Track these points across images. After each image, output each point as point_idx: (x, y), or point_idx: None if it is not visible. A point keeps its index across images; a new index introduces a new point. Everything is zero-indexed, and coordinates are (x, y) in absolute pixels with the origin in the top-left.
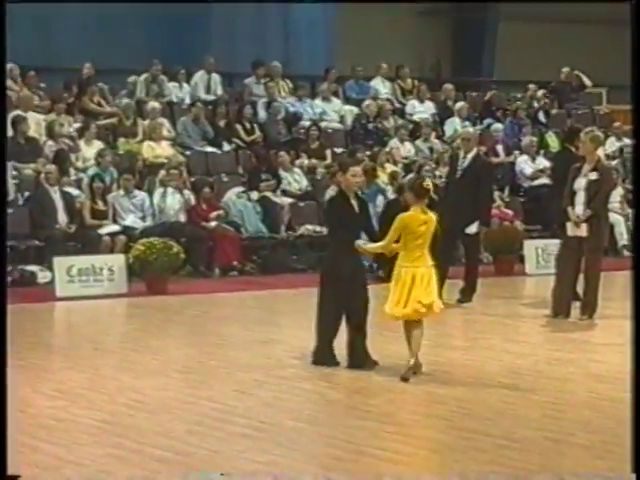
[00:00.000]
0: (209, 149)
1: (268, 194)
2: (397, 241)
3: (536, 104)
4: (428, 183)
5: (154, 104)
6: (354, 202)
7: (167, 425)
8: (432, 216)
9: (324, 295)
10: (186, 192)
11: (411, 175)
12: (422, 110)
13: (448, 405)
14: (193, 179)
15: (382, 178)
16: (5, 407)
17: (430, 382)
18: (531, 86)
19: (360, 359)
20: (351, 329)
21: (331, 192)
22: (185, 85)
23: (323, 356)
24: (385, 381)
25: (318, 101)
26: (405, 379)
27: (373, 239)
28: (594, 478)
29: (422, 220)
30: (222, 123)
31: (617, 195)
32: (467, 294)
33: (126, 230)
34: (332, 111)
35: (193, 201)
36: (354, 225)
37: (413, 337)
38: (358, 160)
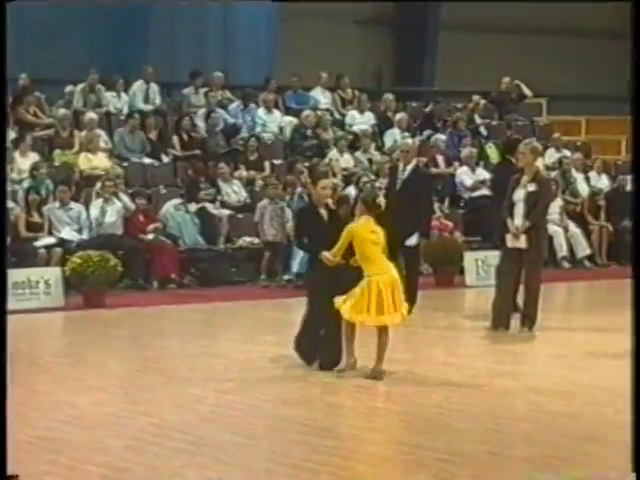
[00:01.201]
0: (147, 160)
1: (206, 205)
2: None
3: (477, 116)
4: (381, 200)
5: (91, 115)
6: (323, 212)
7: (104, 441)
8: (379, 229)
9: (310, 305)
10: (124, 202)
11: (351, 187)
12: (362, 121)
13: (388, 419)
14: (131, 191)
15: None
16: (5, 408)
17: (369, 395)
18: (474, 97)
19: (334, 360)
20: (327, 331)
21: (264, 203)
22: (123, 95)
23: (309, 351)
24: (324, 395)
25: (260, 111)
26: (379, 377)
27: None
28: None
29: (371, 228)
30: (160, 134)
31: (556, 206)
32: (407, 306)
33: (62, 243)
34: (271, 122)
35: (132, 211)
36: (322, 235)
37: (382, 343)
38: (326, 173)
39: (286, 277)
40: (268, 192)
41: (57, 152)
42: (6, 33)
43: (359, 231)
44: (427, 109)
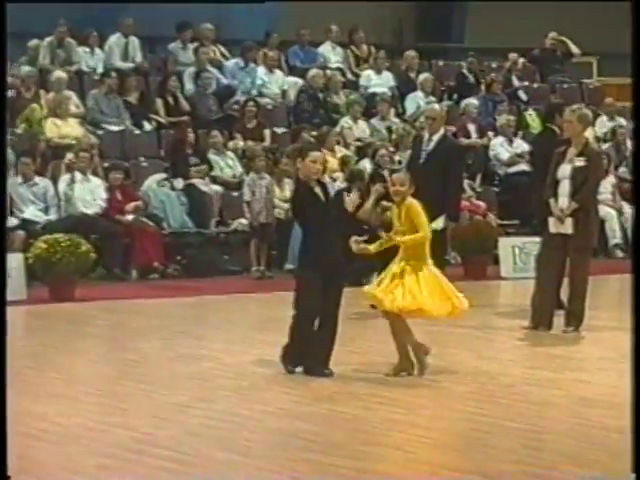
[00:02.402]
0: (125, 128)
1: (196, 182)
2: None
3: (515, 77)
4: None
5: (60, 73)
6: (318, 190)
7: (74, 458)
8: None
9: (301, 300)
10: (98, 179)
11: (365, 160)
12: (379, 82)
13: (409, 434)
14: (106, 164)
15: (331, 163)
16: (5, 408)
17: (387, 406)
18: (511, 55)
19: (317, 364)
20: (318, 331)
21: (252, 178)
22: (98, 51)
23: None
24: (333, 405)
25: (259, 70)
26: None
27: (349, 231)
28: None
29: None
30: (141, 97)
31: (608, 185)
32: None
33: (25, 224)
34: (273, 83)
35: (105, 191)
36: (323, 217)
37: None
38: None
39: (288, 266)
40: (255, 165)
41: (34, 106)
42: (6, 32)
43: None
44: (463, 68)
